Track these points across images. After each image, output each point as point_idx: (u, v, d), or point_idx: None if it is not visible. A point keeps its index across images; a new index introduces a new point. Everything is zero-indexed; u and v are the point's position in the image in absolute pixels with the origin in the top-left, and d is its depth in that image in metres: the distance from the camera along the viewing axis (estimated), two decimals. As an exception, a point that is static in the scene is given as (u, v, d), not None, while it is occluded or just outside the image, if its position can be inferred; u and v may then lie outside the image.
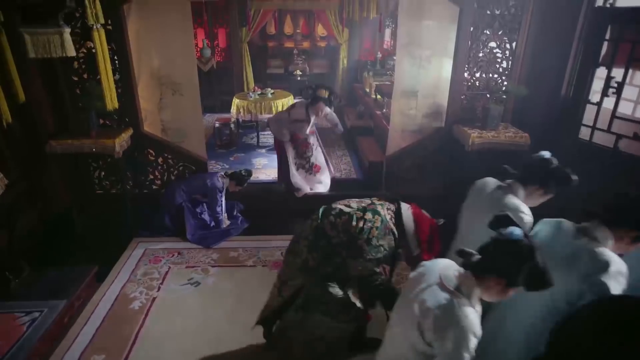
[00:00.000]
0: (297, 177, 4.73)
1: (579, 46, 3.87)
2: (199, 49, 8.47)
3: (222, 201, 4.21)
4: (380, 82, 7.51)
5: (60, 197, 4.35)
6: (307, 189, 4.82)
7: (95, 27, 2.93)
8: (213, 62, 8.48)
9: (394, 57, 8.44)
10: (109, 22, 3.85)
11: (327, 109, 4.54)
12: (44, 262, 3.73)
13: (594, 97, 3.35)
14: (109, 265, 3.72)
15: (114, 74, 4.06)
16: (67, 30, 2.63)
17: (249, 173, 4.38)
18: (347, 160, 6.13)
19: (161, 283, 3.50)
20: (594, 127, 3.32)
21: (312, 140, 4.67)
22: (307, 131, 4.58)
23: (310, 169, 4.77)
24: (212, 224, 4.25)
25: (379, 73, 8.22)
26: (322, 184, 4.87)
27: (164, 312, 3.17)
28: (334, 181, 5.35)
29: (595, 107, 3.29)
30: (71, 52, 2.65)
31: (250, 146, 6.81)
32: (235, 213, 4.51)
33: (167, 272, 3.64)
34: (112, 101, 3.29)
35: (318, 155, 4.73)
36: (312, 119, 4.53)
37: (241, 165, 5.86)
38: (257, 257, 3.86)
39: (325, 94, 4.43)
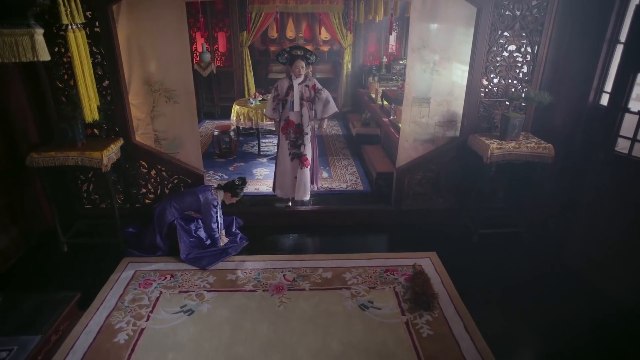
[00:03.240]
0: (286, 177, 4.48)
1: (609, 49, 3.56)
2: (198, 54, 8.18)
3: (217, 217, 3.87)
4: (386, 87, 7.20)
5: (44, 213, 4.04)
6: (289, 195, 4.57)
7: (70, 27, 2.60)
8: (213, 67, 8.18)
9: (400, 62, 8.19)
10: (97, 24, 3.58)
11: (307, 77, 4.33)
12: (23, 286, 3.42)
13: (633, 105, 3.01)
14: (96, 288, 3.39)
15: (102, 80, 3.81)
16: (40, 31, 2.31)
17: (243, 181, 4.04)
18: (353, 170, 5.79)
19: (151, 311, 3.16)
20: (634, 139, 2.98)
21: (307, 129, 4.32)
22: (297, 103, 4.22)
23: (300, 159, 4.40)
24: (208, 242, 3.92)
25: (385, 78, 7.93)
26: (301, 190, 4.49)
27: (153, 346, 2.83)
28: (340, 194, 5.04)
29: (637, 117, 2.94)
30: (44, 55, 2.33)
31: (250, 155, 6.49)
32: (234, 229, 4.17)
33: (158, 298, 3.30)
34: (91, 112, 2.95)
35: (308, 150, 4.39)
36: (295, 84, 4.21)
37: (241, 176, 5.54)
38: (257, 280, 3.52)
39: (300, 52, 4.22)
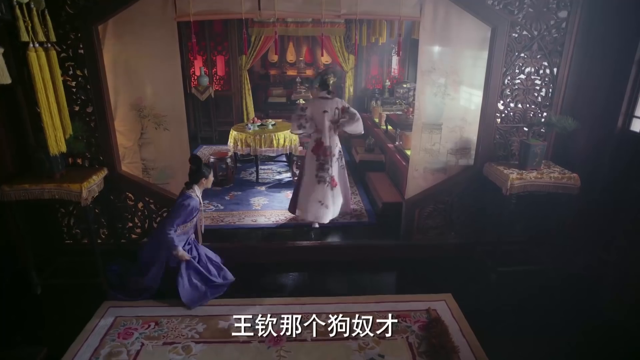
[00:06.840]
0: (312, 202, 4.35)
1: (639, 71, 3.26)
2: (195, 77, 7.97)
3: (189, 224, 3.44)
4: (390, 111, 6.93)
5: (18, 251, 3.65)
6: (315, 220, 4.42)
7: (33, 45, 2.28)
8: (211, 91, 7.95)
9: (404, 85, 7.95)
10: (80, 45, 3.30)
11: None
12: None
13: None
14: (70, 338, 2.98)
15: (86, 105, 3.51)
16: (-1, 50, 2.02)
17: (197, 158, 3.58)
18: (357, 199, 5.43)
19: (129, 368, 2.75)
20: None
21: (336, 151, 4.32)
22: (328, 123, 4.23)
23: (330, 183, 4.33)
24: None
25: (388, 102, 7.67)
26: (331, 209, 4.42)
27: (128, 414, 2.42)
28: (343, 226, 4.65)
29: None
30: (3, 78, 2.02)
31: (248, 183, 6.14)
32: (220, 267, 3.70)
33: (138, 352, 2.89)
34: (57, 143, 2.60)
35: (334, 169, 4.36)
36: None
37: (238, 206, 5.20)
38: (252, 329, 3.11)
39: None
